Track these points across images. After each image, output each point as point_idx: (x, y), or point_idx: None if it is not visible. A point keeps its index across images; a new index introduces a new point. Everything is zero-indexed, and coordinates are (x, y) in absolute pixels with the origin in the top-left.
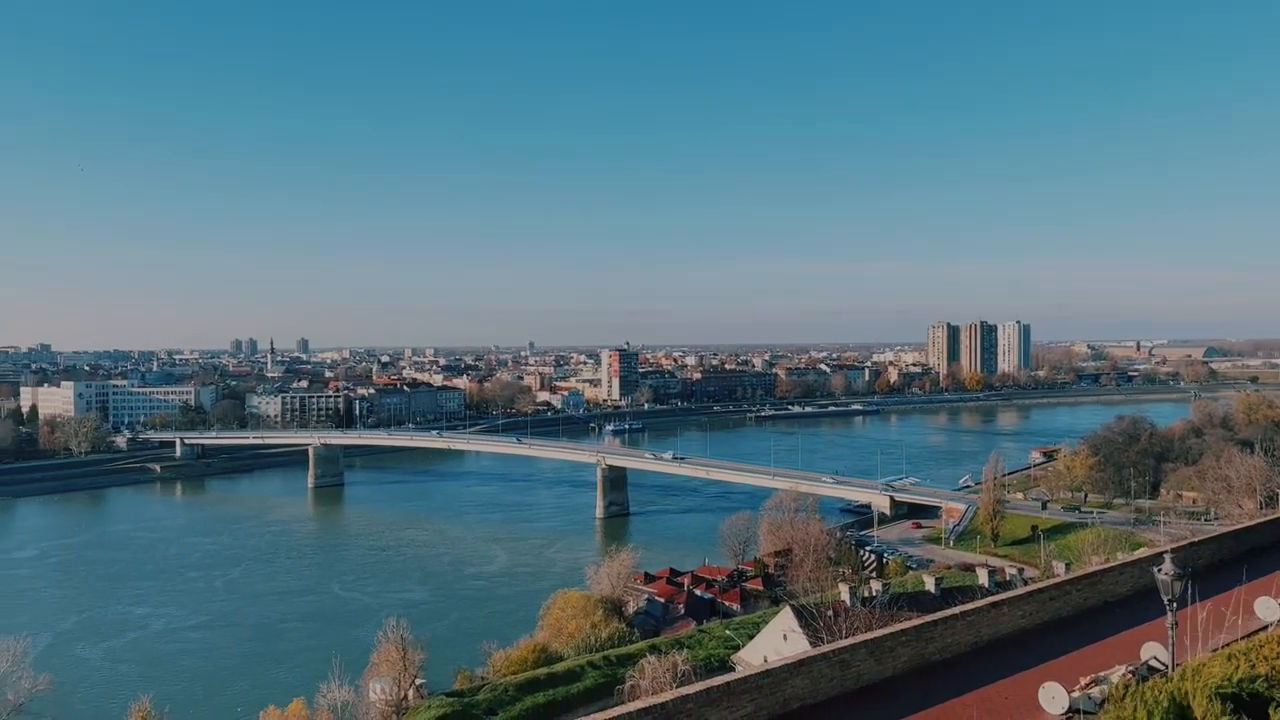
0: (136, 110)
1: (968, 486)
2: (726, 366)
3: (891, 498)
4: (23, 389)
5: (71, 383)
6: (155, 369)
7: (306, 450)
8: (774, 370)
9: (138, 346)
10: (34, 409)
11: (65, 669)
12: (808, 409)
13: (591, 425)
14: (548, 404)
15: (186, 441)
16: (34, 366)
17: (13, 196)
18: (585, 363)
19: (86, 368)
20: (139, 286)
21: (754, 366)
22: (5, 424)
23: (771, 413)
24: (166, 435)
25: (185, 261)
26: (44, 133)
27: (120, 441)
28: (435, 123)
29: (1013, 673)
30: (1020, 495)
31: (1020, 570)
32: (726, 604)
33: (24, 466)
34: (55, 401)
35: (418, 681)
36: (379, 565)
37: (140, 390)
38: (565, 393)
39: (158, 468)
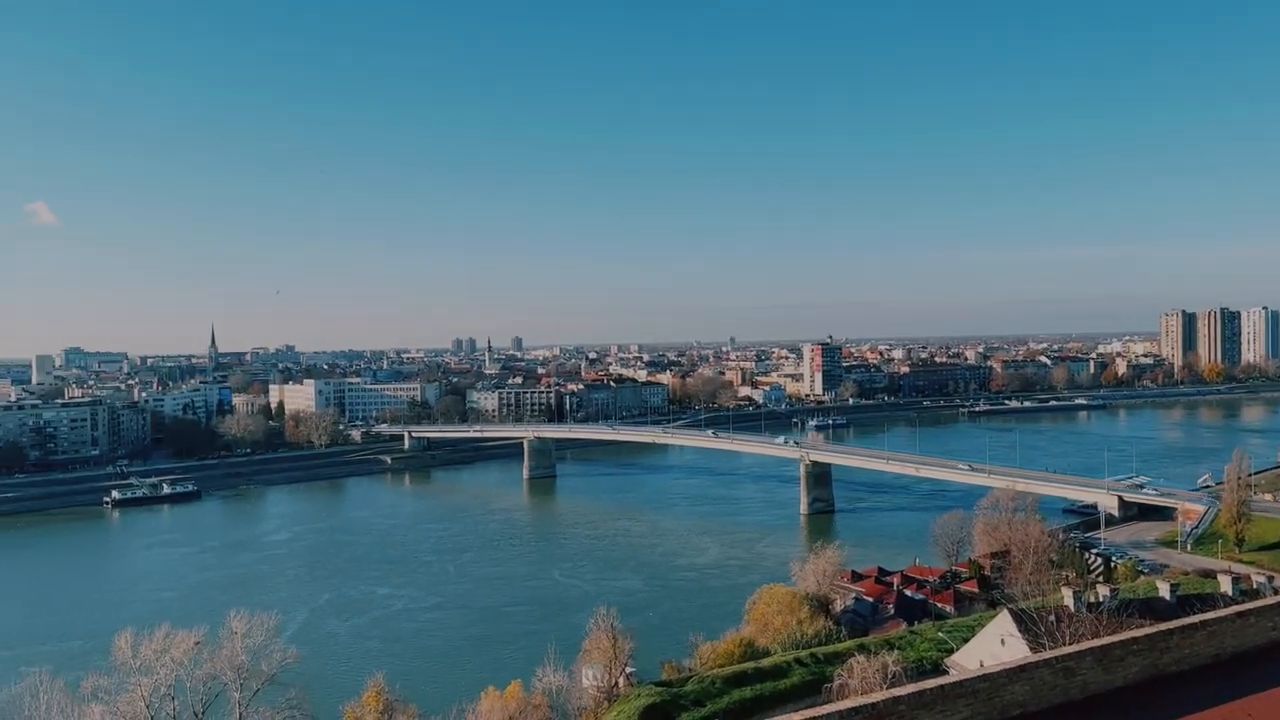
0: (362, 122)
1: (1207, 486)
2: (936, 360)
3: (1120, 498)
4: (271, 387)
5: (313, 381)
6: (385, 367)
7: (521, 443)
8: (988, 363)
9: (370, 346)
10: (280, 405)
11: (317, 643)
12: (1026, 404)
13: (794, 420)
14: (749, 399)
15: (413, 435)
16: (280, 366)
17: (261, 211)
18: (787, 358)
19: (325, 367)
20: (371, 290)
21: (966, 359)
22: (257, 419)
23: (986, 408)
24: (396, 429)
25: (411, 267)
26: (284, 148)
27: (355, 435)
28: (644, 130)
29: (1259, 689)
30: (1269, 496)
31: (1270, 578)
32: (939, 605)
33: (273, 457)
34: (299, 398)
35: (627, 670)
36: (595, 553)
37: (372, 387)
38: (767, 388)
39: (388, 459)
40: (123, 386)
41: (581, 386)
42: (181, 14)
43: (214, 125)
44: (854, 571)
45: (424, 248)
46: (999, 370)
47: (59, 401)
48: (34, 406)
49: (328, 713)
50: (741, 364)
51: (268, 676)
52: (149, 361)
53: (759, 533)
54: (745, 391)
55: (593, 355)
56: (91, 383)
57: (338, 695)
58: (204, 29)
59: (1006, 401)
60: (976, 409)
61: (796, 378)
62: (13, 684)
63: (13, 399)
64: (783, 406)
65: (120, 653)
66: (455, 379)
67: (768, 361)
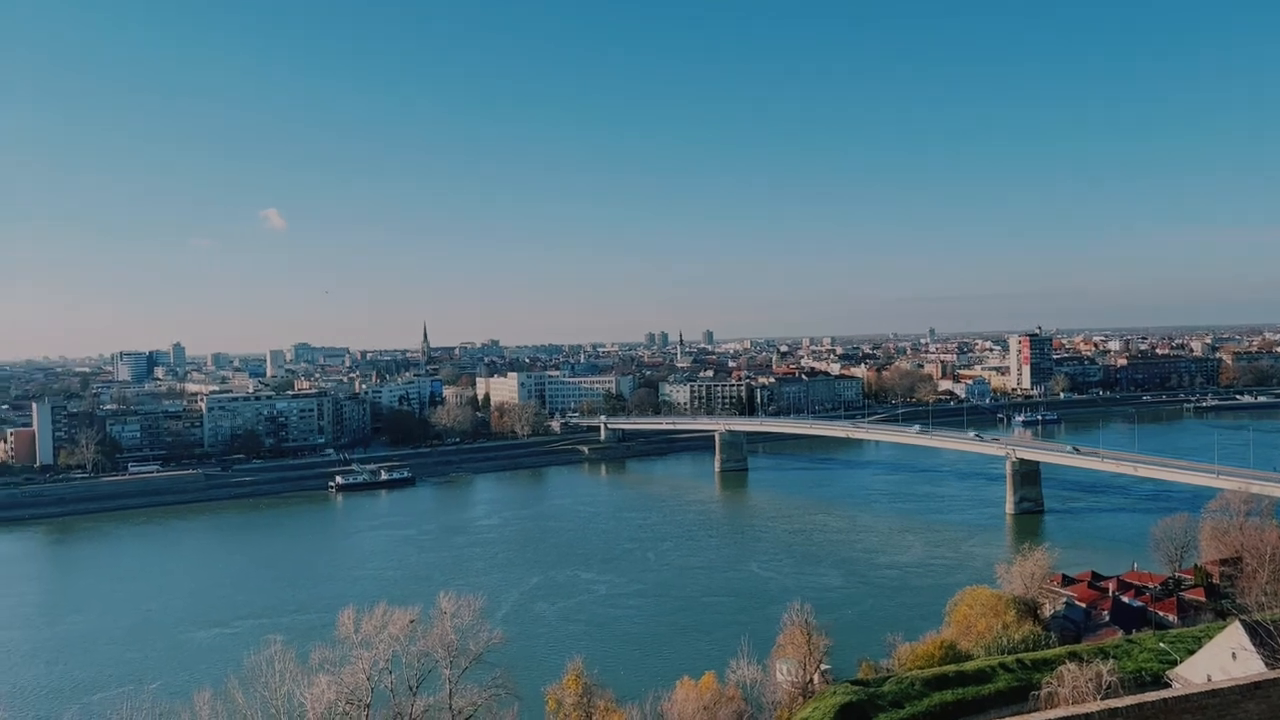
0: (562, 134)
1: None
2: (1158, 351)
3: None
4: (478, 380)
5: (516, 374)
6: (582, 361)
7: (713, 436)
8: (1217, 354)
9: (568, 341)
10: (487, 397)
11: (527, 624)
12: (1261, 399)
13: (999, 415)
14: (949, 393)
15: (609, 426)
16: (486, 360)
17: (467, 216)
18: (991, 349)
19: (527, 360)
20: (569, 287)
21: (1192, 351)
22: (465, 410)
23: (1214, 403)
24: (592, 420)
25: (608, 264)
26: (490, 157)
27: (555, 425)
28: (836, 128)
29: None
30: None
31: None
32: (1160, 614)
33: (480, 446)
34: (503, 390)
35: (822, 666)
36: (793, 547)
37: (570, 380)
38: (969, 381)
39: (585, 449)
40: (345, 379)
41: (773, 380)
42: (400, 32)
43: (425, 138)
44: (1065, 575)
45: (621, 247)
46: (1229, 362)
47: (290, 393)
48: (268, 398)
49: (530, 693)
50: (942, 356)
51: (475, 655)
52: (368, 356)
53: (963, 532)
54: (945, 385)
55: (784, 348)
56: (318, 376)
57: (541, 676)
58: (424, 48)
59: (1238, 396)
60: (1203, 404)
61: (1001, 371)
62: (257, 651)
63: (250, 391)
64: (986, 401)
65: (344, 627)
66: (648, 372)
67: (970, 354)
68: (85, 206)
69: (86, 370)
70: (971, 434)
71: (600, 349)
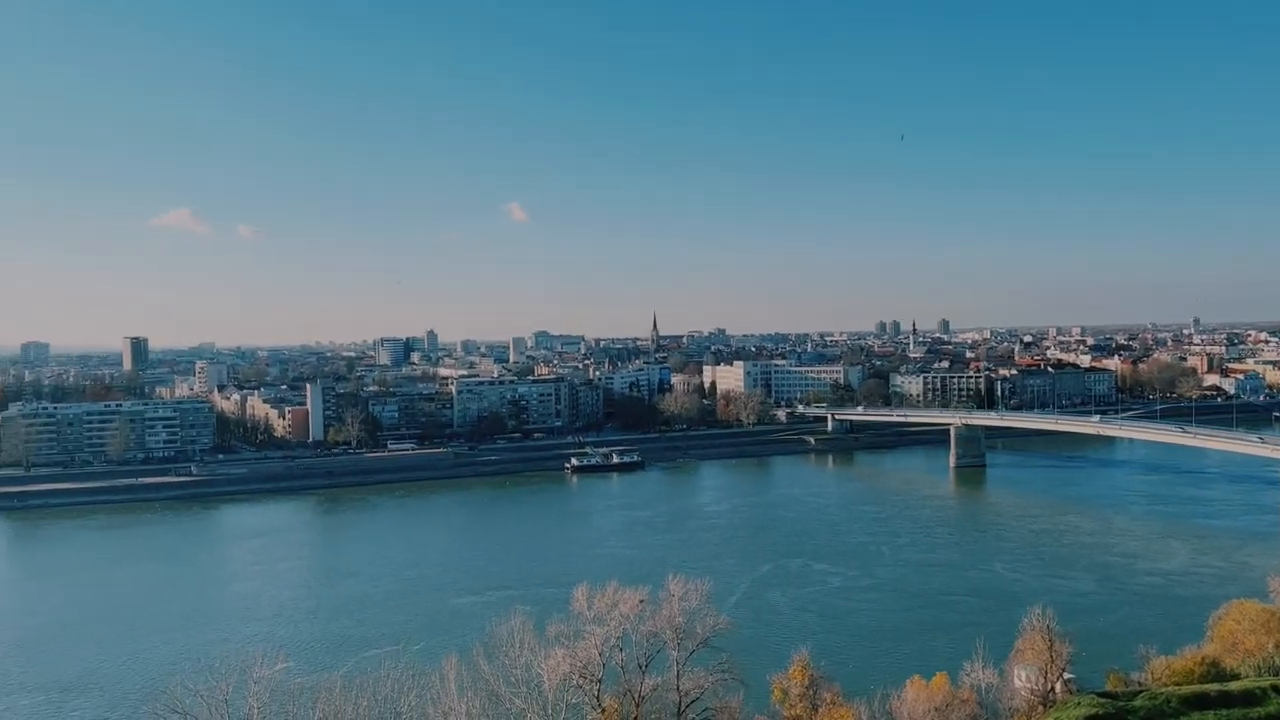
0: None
1: None
2: None
3: None
4: (705, 367)
5: (741, 363)
6: (809, 350)
7: (947, 430)
8: None
9: (795, 329)
10: (713, 385)
11: (758, 611)
12: None
13: (1276, 414)
14: (1216, 388)
15: (836, 417)
16: (713, 349)
17: (690, 207)
18: (1267, 341)
19: (753, 349)
20: (799, 275)
21: None
22: (692, 397)
23: None
24: (818, 411)
25: (834, 250)
26: (718, 152)
27: (780, 415)
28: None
29: None
30: None
31: None
32: None
33: (706, 433)
34: (729, 378)
35: (1065, 675)
36: (1040, 549)
37: (796, 369)
38: (1240, 376)
39: (812, 440)
40: (580, 366)
41: (1014, 372)
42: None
43: (656, 137)
44: None
45: (850, 235)
46: None
47: (530, 378)
48: (511, 382)
49: (756, 680)
50: (1208, 348)
51: (701, 639)
52: (601, 343)
53: (1235, 540)
54: (1212, 380)
55: (1027, 338)
56: (555, 362)
57: (767, 664)
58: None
59: None
60: None
61: (1278, 365)
62: (499, 622)
63: (495, 375)
64: (1261, 398)
65: (578, 603)
66: (878, 362)
67: (1241, 346)
68: (355, 207)
69: (352, 354)
70: (1253, 436)
71: (828, 338)
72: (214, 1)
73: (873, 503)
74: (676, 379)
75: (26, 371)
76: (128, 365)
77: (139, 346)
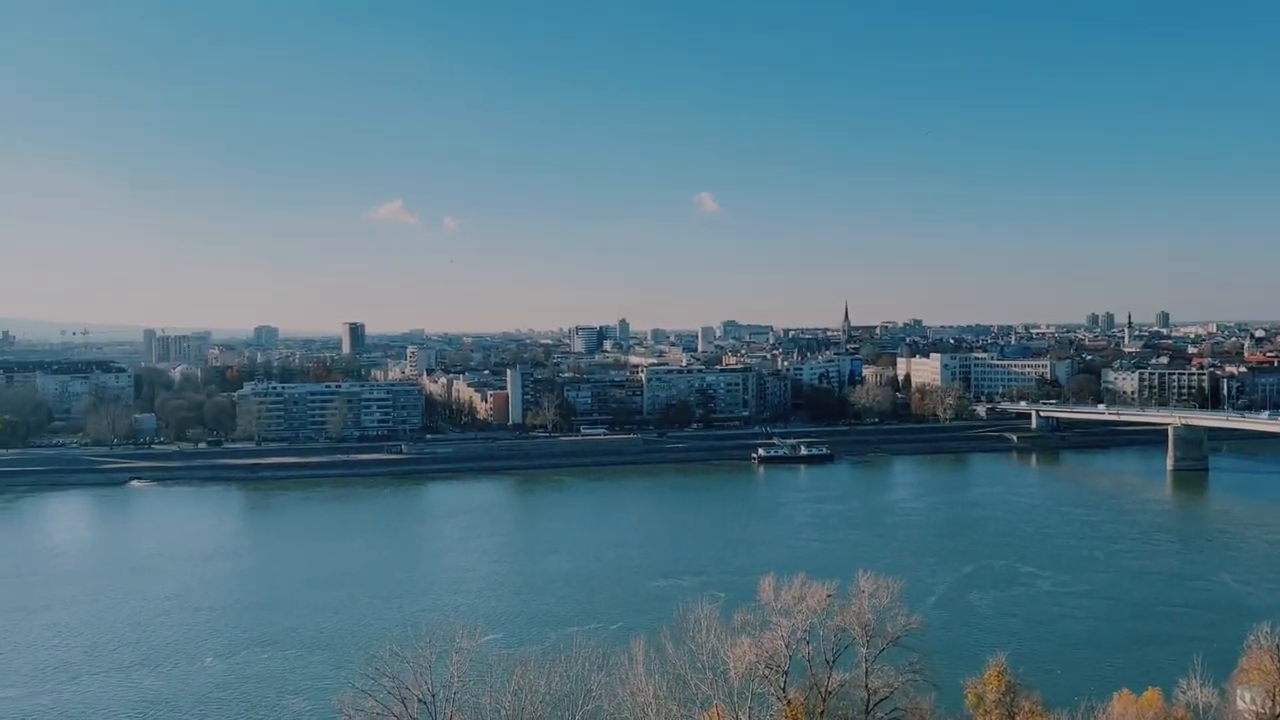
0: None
1: None
2: None
3: None
4: (899, 360)
5: (938, 355)
6: (1013, 343)
7: (1163, 430)
8: None
9: (997, 321)
10: (907, 377)
11: (956, 612)
12: None
13: None
14: None
15: (1041, 414)
16: (907, 340)
17: (883, 197)
18: None
19: (951, 341)
20: (1000, 264)
21: None
22: (884, 390)
23: None
24: (1022, 407)
25: (1042, 238)
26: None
27: (979, 410)
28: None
29: None
30: None
31: None
32: None
33: (899, 427)
34: (924, 371)
35: None
36: (1277, 561)
37: (998, 363)
38: None
39: (1014, 437)
40: (768, 356)
41: (1243, 369)
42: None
43: (863, 127)
44: None
45: (1055, 222)
46: None
47: (718, 368)
48: (699, 371)
49: (949, 683)
50: None
51: (892, 638)
52: (790, 334)
53: None
54: None
55: (1259, 333)
56: (743, 352)
57: (962, 667)
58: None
59: None
60: None
61: None
62: (686, 607)
63: (683, 364)
64: None
65: (764, 594)
66: (1089, 357)
67: None
68: (551, 199)
69: (548, 342)
70: None
71: (1033, 330)
72: (422, 6)
73: (1083, 505)
74: (868, 371)
75: (258, 354)
76: (346, 349)
77: (356, 332)
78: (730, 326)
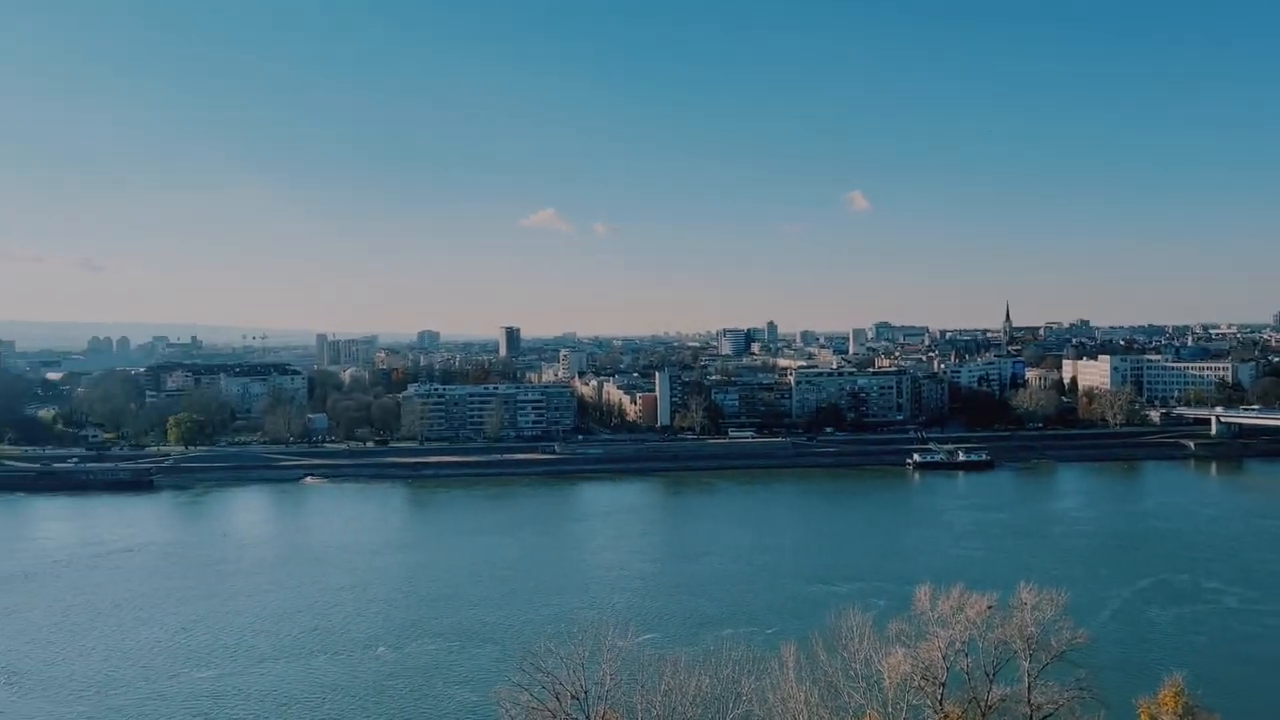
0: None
1: None
2: None
3: None
4: (1064, 362)
5: (1107, 357)
6: (1189, 344)
7: None
8: None
9: (1171, 321)
10: (1073, 380)
11: (1132, 628)
12: None
13: None
14: None
15: (1221, 419)
16: (1074, 341)
17: (1048, 191)
18: None
19: (1121, 342)
20: (1172, 260)
21: None
22: (1049, 394)
23: None
24: (1200, 412)
25: (1222, 231)
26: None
27: (1153, 415)
28: None
29: None
30: None
31: None
32: None
33: (1064, 433)
34: (1092, 374)
35: None
36: None
37: (1173, 365)
38: None
39: (1191, 444)
40: (923, 358)
41: None
42: None
43: (1020, 123)
44: None
45: (1237, 212)
46: None
47: (870, 370)
48: (850, 374)
49: (1120, 702)
50: None
51: (1056, 653)
52: (947, 335)
53: None
54: None
55: None
56: (897, 354)
57: (1135, 686)
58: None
59: None
60: None
61: None
62: (838, 614)
63: (834, 366)
64: None
65: (920, 603)
66: (1276, 358)
67: None
68: (699, 202)
69: (696, 344)
70: None
71: (1212, 330)
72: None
73: (1274, 516)
74: (1031, 374)
75: (421, 357)
76: (503, 352)
77: (512, 335)
78: (883, 328)
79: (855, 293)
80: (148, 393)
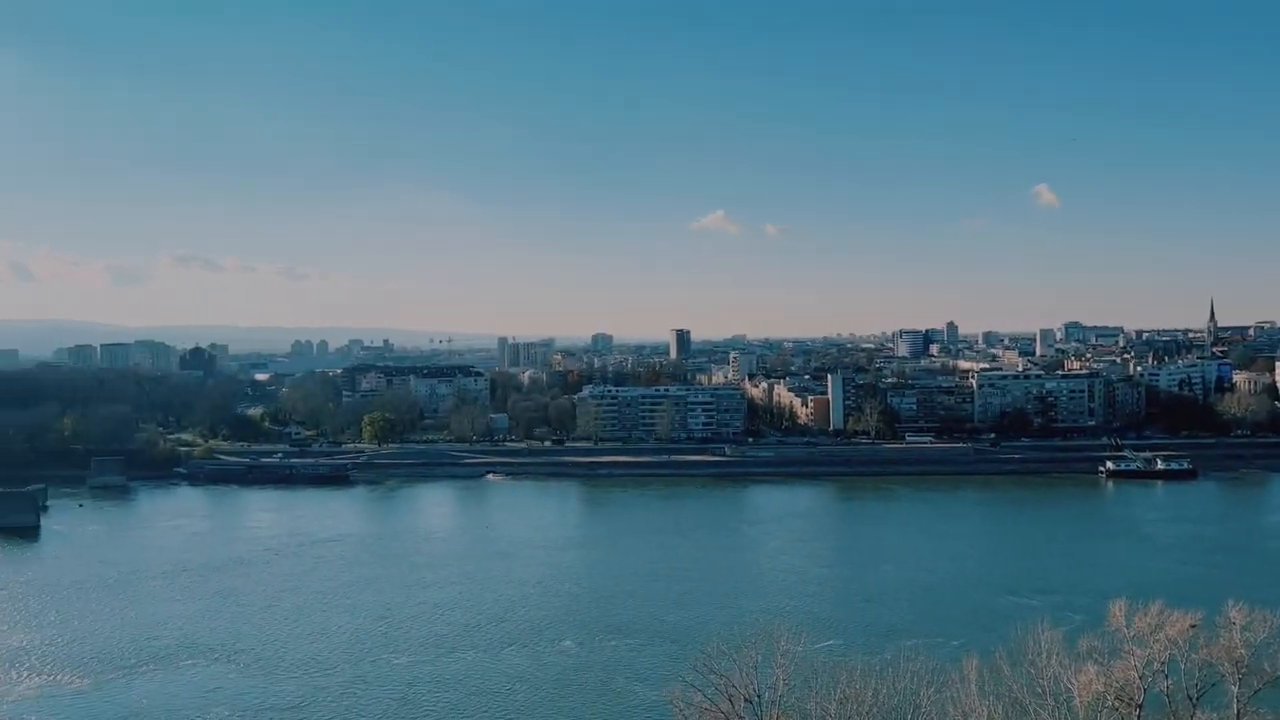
0: None
1: None
2: None
3: None
4: (1277, 364)
5: None
6: None
7: None
8: None
9: None
10: None
11: None
12: None
13: None
14: None
15: None
16: None
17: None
18: None
19: None
20: None
21: None
22: (1260, 398)
23: None
24: None
25: None
26: None
27: None
28: None
29: None
30: None
31: None
32: None
33: (1276, 442)
34: None
35: None
36: None
37: None
38: None
39: None
40: (1118, 360)
41: None
42: None
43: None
44: None
45: None
46: None
47: (1059, 373)
48: (1037, 377)
49: None
50: None
51: (1269, 677)
52: (1144, 336)
53: None
54: None
55: None
56: (1089, 356)
57: None
58: None
59: None
60: None
61: None
62: (1023, 628)
63: (1019, 369)
64: None
65: (1115, 619)
66: None
67: None
68: (873, 200)
69: (871, 346)
70: None
71: None
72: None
73: None
74: (1239, 377)
75: (595, 359)
76: (673, 354)
77: (683, 338)
78: (1073, 328)
79: (1042, 291)
80: (344, 393)
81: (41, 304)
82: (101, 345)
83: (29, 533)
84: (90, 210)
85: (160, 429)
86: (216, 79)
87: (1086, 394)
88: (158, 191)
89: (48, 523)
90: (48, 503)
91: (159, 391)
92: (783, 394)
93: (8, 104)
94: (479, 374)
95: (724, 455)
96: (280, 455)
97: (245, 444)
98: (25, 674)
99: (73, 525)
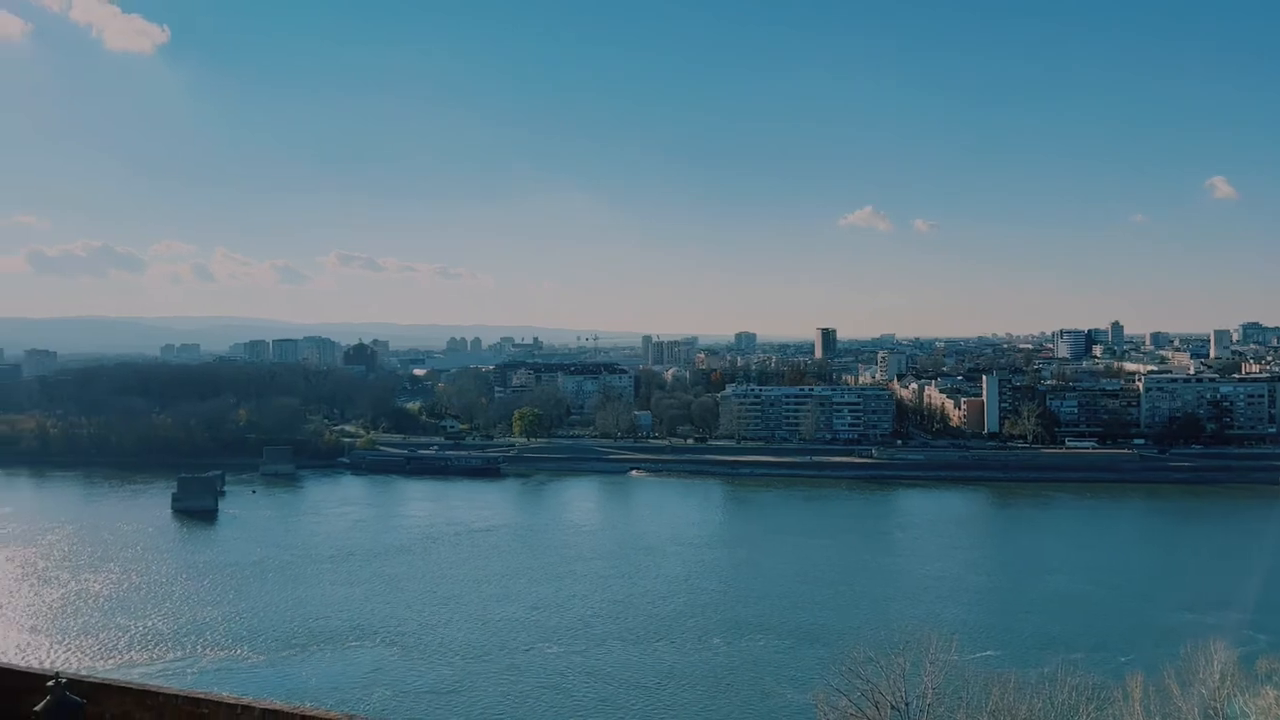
0: None
1: None
2: None
3: None
4: None
5: None
6: None
7: None
8: None
9: None
10: None
11: None
12: None
13: None
14: None
15: None
16: None
17: None
18: None
19: None
20: None
21: None
22: None
23: None
24: None
25: None
26: None
27: None
28: None
29: None
30: None
31: None
32: None
33: None
34: None
35: None
36: None
37: None
38: None
39: None
40: None
41: None
42: None
43: None
44: None
45: None
46: None
47: (1235, 376)
48: (1211, 380)
49: None
50: None
51: None
52: None
53: None
54: None
55: None
56: (1269, 358)
57: None
58: None
59: None
60: None
61: None
62: (1197, 647)
63: (1191, 372)
64: None
65: None
66: None
67: None
68: (1028, 196)
69: (1029, 347)
70: None
71: None
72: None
73: None
74: None
75: (738, 358)
76: (819, 353)
77: (828, 337)
78: (1252, 329)
79: (1217, 290)
80: (496, 388)
81: (219, 302)
82: (273, 341)
83: (208, 516)
84: (260, 213)
85: (326, 420)
86: (378, 89)
87: (1266, 399)
88: (322, 195)
89: (224, 506)
90: (224, 488)
91: (325, 385)
92: (934, 395)
93: (186, 114)
94: (624, 371)
95: (871, 457)
96: (436, 447)
97: (403, 436)
98: (209, 647)
99: (246, 510)
